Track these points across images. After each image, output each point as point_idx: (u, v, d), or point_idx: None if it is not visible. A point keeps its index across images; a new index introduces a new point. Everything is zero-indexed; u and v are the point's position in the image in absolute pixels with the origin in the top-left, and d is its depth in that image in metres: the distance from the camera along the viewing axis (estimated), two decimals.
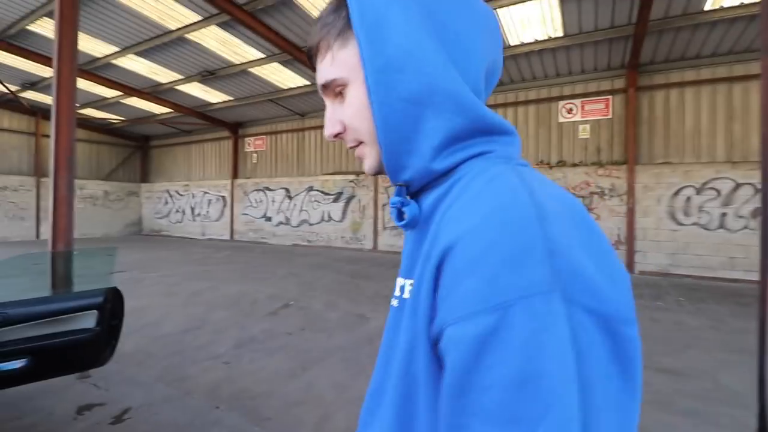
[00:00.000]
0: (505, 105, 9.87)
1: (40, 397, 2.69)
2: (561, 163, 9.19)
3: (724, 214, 7.57)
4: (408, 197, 0.51)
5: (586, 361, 0.32)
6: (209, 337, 3.99)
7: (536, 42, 7.76)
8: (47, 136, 14.53)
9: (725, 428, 2.44)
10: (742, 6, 6.24)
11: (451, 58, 0.47)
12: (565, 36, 7.48)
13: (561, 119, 9.26)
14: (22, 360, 1.93)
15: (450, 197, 0.46)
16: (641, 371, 0.36)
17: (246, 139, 15.01)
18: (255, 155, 14.78)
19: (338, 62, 0.49)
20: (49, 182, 4.69)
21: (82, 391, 2.81)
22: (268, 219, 14.13)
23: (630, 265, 8.20)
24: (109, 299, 2.19)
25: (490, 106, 8.09)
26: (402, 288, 0.49)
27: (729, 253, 7.47)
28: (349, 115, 0.50)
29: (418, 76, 0.45)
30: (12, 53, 9.08)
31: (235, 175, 15.08)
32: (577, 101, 9.06)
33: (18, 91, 12.27)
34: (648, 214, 8.18)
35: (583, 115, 9.00)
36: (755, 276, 7.22)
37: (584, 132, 8.98)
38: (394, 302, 0.51)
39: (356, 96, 0.49)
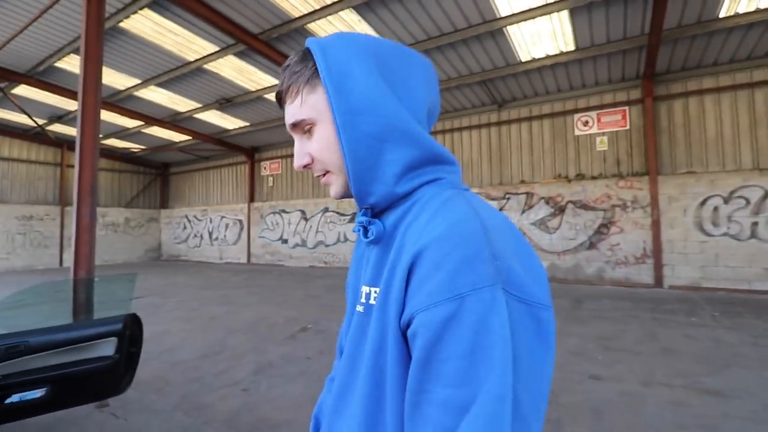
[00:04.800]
0: (519, 120, 9.78)
1: (59, 427, 2.66)
2: (579, 177, 8.99)
3: (755, 224, 7.24)
4: (372, 217, 0.59)
5: (518, 336, 0.42)
6: (228, 363, 3.94)
7: (547, 57, 7.71)
8: (71, 166, 15.11)
9: None
10: (758, 11, 6.12)
11: (401, 102, 0.56)
12: (577, 50, 7.41)
13: (577, 132, 9.11)
14: (41, 389, 1.90)
15: (410, 216, 0.54)
16: (555, 341, 0.47)
17: (262, 162, 15.28)
18: (271, 178, 15.00)
19: (307, 105, 0.57)
20: (72, 211, 4.78)
21: (101, 421, 2.77)
22: (285, 241, 14.20)
23: (659, 279, 7.87)
24: (128, 326, 2.17)
25: (504, 121, 8.02)
26: (368, 295, 0.56)
27: (764, 264, 7.12)
28: (317, 149, 0.58)
29: (377, 118, 0.53)
30: (40, 88, 9.47)
31: (251, 198, 15.30)
32: (593, 113, 8.92)
33: (45, 124, 12.79)
34: (674, 225, 7.87)
35: (600, 126, 8.84)
36: None
37: (602, 144, 8.79)
38: (360, 308, 0.57)
39: (324, 134, 0.57)
